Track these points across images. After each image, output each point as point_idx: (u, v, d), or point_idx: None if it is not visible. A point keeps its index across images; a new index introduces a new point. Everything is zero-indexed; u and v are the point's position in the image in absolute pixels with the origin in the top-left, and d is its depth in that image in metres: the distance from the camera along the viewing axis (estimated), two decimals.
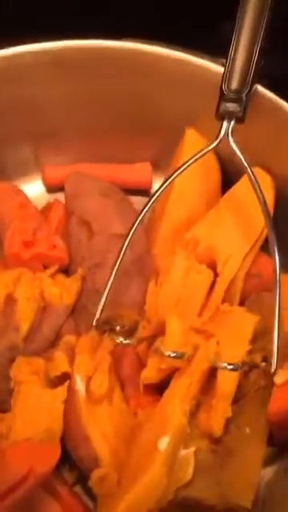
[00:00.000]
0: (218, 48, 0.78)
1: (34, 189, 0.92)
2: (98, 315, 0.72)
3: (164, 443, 0.69)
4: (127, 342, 0.73)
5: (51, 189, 0.93)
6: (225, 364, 0.70)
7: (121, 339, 0.73)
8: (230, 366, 0.70)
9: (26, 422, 0.71)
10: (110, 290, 0.73)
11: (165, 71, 0.83)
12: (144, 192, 0.92)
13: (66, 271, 0.82)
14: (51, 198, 0.91)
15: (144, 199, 0.80)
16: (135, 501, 0.68)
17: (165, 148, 0.89)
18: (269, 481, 0.77)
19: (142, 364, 0.75)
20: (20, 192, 0.88)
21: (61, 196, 0.89)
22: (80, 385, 0.72)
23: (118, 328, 0.73)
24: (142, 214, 0.75)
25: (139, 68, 0.83)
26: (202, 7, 0.96)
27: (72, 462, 0.75)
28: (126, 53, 0.83)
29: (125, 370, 0.77)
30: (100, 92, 0.86)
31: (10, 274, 0.78)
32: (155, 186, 0.90)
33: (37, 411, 0.72)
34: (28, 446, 0.69)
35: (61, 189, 0.89)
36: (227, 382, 0.71)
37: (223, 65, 0.77)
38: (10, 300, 0.76)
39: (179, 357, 0.71)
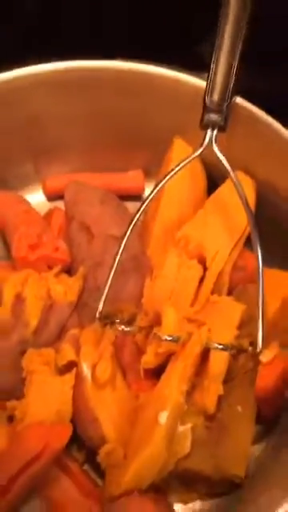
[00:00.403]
0: (202, 65, 0.80)
1: (35, 198, 0.94)
2: (100, 308, 0.75)
3: (164, 417, 0.72)
4: (128, 329, 0.76)
5: (51, 197, 0.95)
6: (216, 344, 0.73)
7: (122, 327, 0.75)
8: (221, 346, 0.73)
9: (39, 407, 0.74)
10: (109, 286, 0.75)
11: (155, 87, 0.85)
12: (137, 197, 0.94)
13: (68, 271, 0.84)
14: (51, 205, 0.93)
15: (137, 204, 0.83)
16: (140, 469, 0.71)
17: (155, 156, 0.90)
18: (257, 457, 0.80)
19: (140, 352, 0.78)
20: (24, 200, 0.90)
21: (60, 204, 0.91)
22: (87, 371, 0.75)
23: (117, 321, 0.76)
24: (136, 217, 0.77)
25: (132, 86, 0.85)
26: (186, 32, 0.98)
27: (80, 444, 0.77)
28: (120, 72, 0.85)
29: (125, 359, 0.80)
30: (96, 109, 0.88)
31: (19, 275, 0.80)
32: (147, 191, 0.90)
33: (48, 396, 0.75)
34: (42, 426, 0.72)
35: (60, 197, 0.91)
36: (218, 362, 0.74)
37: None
38: (19, 299, 0.79)
39: (175, 340, 0.73)
